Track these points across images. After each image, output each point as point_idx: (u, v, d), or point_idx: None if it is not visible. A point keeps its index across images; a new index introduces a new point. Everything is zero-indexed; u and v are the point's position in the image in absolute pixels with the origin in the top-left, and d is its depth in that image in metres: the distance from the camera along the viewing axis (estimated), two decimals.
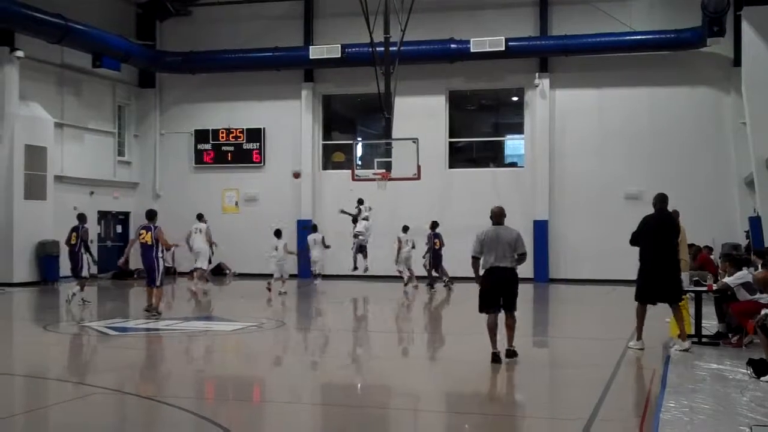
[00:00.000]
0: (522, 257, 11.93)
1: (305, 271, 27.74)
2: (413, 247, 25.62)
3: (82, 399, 9.71)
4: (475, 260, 11.92)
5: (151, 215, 17.61)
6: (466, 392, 10.48)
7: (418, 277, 25.42)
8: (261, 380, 11.53)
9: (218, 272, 30.10)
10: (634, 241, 13.33)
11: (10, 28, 24.78)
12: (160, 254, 17.25)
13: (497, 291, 11.78)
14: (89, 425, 8.54)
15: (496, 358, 11.65)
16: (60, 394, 10.17)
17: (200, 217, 24.65)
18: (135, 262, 22.27)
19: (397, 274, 25.63)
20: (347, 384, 11.23)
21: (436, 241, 24.92)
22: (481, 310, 11.87)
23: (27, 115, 25.55)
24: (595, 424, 8.26)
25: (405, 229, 25.61)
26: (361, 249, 25.48)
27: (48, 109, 26.69)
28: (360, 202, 25.79)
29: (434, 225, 25.38)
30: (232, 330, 16.05)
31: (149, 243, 17.14)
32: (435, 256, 24.94)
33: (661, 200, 13.42)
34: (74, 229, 19.75)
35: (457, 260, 28.07)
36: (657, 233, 13.00)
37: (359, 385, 11.25)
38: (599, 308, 21.51)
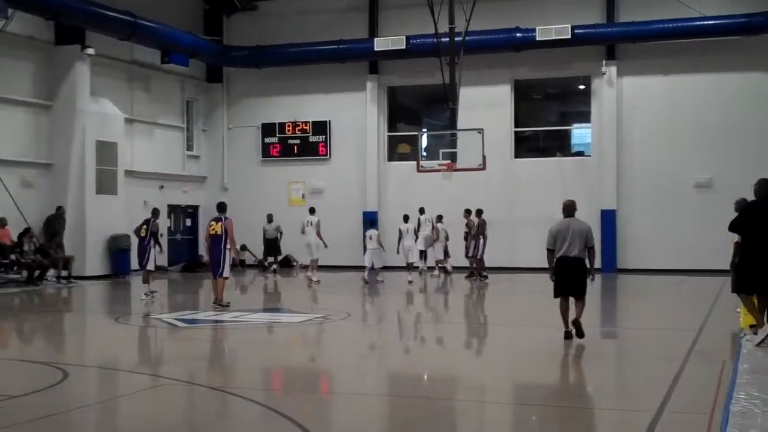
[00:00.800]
0: (592, 249, 12.72)
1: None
2: (447, 237, 26.26)
3: (152, 390, 9.89)
4: (550, 252, 12.72)
5: (223, 207, 17.89)
6: (532, 384, 10.44)
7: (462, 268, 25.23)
8: (327, 372, 11.61)
9: (286, 264, 30.38)
10: (735, 228, 12.47)
11: (81, 26, 25.26)
12: (227, 246, 17.43)
13: (567, 278, 12.61)
14: (159, 415, 8.69)
15: (568, 336, 12.62)
16: (131, 385, 10.37)
17: (312, 211, 25.49)
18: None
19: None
20: (412, 375, 11.25)
21: (480, 228, 24.73)
22: (555, 295, 12.78)
23: (98, 111, 26.03)
24: (663, 417, 8.16)
25: (405, 218, 25.69)
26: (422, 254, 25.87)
27: (118, 105, 27.16)
28: (421, 211, 25.96)
29: (480, 212, 25.37)
30: (299, 322, 16.19)
31: (218, 233, 17.38)
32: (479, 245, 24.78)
33: (765, 186, 12.47)
34: (146, 222, 20.10)
35: (524, 251, 28.17)
36: (763, 220, 12.16)
37: (425, 377, 11.26)
38: (668, 299, 21.20)
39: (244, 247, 30.21)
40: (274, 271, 28.03)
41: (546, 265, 12.89)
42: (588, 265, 12.81)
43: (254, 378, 10.99)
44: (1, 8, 21.75)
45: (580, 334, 12.58)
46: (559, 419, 8.55)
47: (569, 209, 12.87)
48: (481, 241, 24.81)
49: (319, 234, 24.54)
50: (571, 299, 12.73)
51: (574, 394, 10.19)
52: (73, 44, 25.33)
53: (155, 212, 20.68)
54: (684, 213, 27.55)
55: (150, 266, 19.75)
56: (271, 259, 28.56)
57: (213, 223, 17.63)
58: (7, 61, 24.24)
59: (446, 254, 26.66)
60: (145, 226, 19.89)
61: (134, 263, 26.53)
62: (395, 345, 14.30)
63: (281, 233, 28.33)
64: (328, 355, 13.04)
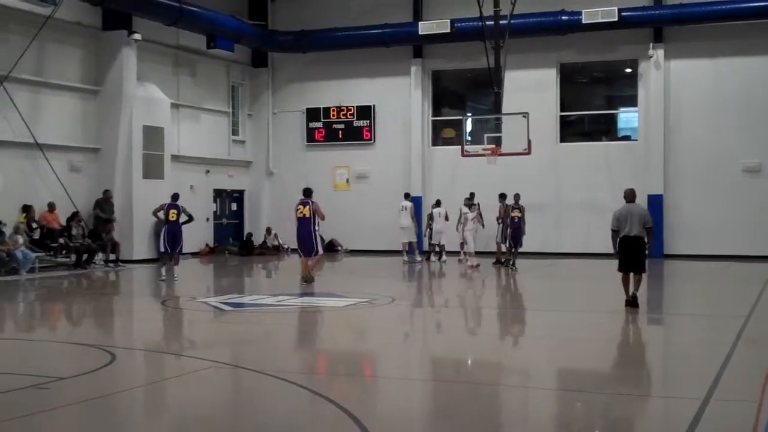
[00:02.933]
0: (650, 230, 14.63)
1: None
2: (447, 219, 25.95)
3: (198, 373, 9.97)
4: (614, 233, 14.67)
5: (308, 192, 19.71)
6: (576, 370, 10.38)
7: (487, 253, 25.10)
8: (371, 356, 11.63)
9: (330, 248, 30.49)
10: None
11: (128, 11, 25.50)
12: (316, 226, 19.22)
13: (628, 255, 14.49)
14: (204, 398, 8.77)
15: (627, 303, 14.51)
16: (177, 368, 10.48)
17: (407, 196, 26.23)
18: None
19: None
20: (456, 360, 11.24)
21: (515, 211, 23.39)
22: (619, 269, 14.70)
23: (144, 96, 26.26)
24: (710, 405, 8.08)
25: (438, 203, 26.33)
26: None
27: (164, 90, 27.38)
28: (471, 196, 25.57)
29: (503, 196, 24.51)
30: (344, 306, 16.24)
31: (307, 216, 19.07)
32: (515, 230, 23.35)
33: None
34: (172, 206, 20.83)
35: (569, 236, 28.03)
36: None
37: (469, 361, 11.25)
38: (716, 285, 20.95)
39: (269, 230, 30.99)
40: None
41: (609, 249, 14.72)
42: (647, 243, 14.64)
43: (298, 362, 11.04)
44: None
45: (636, 305, 14.37)
46: (603, 406, 8.49)
47: (630, 196, 14.80)
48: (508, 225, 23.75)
49: (413, 218, 25.58)
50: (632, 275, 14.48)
51: (619, 380, 10.10)
52: (120, 30, 25.59)
53: (176, 196, 21.37)
54: (732, 198, 27.19)
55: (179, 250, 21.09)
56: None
57: (300, 206, 19.26)
58: (56, 47, 24.53)
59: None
60: (174, 210, 20.65)
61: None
62: (437, 329, 14.30)
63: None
64: (371, 339, 13.06)
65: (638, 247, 14.53)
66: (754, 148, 27.08)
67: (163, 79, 27.86)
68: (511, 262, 23.47)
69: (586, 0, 27.57)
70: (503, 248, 24.37)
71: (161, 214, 21.23)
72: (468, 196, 25.45)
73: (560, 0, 27.91)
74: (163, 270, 20.79)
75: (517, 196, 23.83)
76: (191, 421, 7.99)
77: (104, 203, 24.92)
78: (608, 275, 23.07)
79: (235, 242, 30.96)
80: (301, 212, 19.16)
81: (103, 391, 8.90)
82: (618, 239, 14.57)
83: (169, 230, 20.75)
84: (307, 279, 19.26)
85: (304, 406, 8.53)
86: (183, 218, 20.90)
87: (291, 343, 12.46)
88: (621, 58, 29.38)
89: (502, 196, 24.55)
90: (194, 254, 28.64)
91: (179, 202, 21.19)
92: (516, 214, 23.32)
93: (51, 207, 23.54)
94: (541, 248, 26.76)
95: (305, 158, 32.03)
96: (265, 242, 30.87)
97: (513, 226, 23.25)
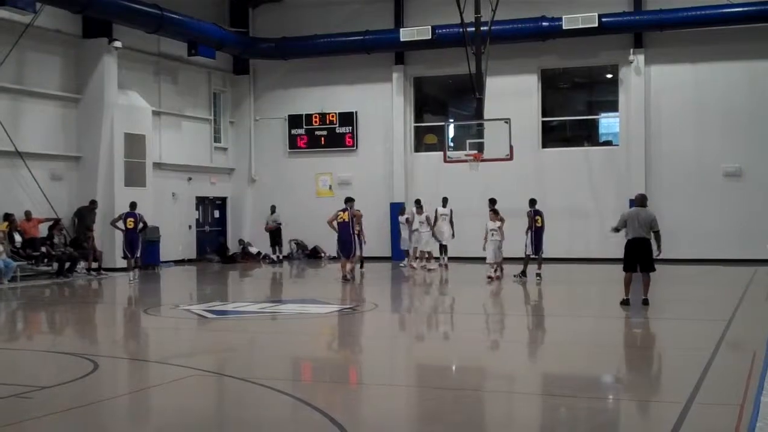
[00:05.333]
0: (657, 234, 15.51)
1: (397, 253, 28.00)
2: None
3: (181, 381, 9.93)
4: (614, 230, 16.04)
5: (349, 199, 22.39)
6: (561, 374, 10.41)
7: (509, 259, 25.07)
8: (354, 363, 11.63)
9: (314, 255, 30.52)
10: None
11: (108, 19, 25.37)
12: (354, 231, 21.68)
13: (634, 256, 15.46)
14: (188, 407, 8.75)
15: (625, 303, 15.55)
16: (160, 377, 10.43)
17: (445, 201, 26.07)
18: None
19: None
20: (439, 366, 11.26)
21: (537, 218, 22.15)
22: (625, 269, 15.67)
23: (126, 104, 26.16)
24: (693, 408, 8.12)
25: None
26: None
27: (146, 98, 27.28)
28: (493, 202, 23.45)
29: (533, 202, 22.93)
30: (326, 312, 16.24)
31: (346, 221, 21.57)
32: (537, 237, 21.99)
33: None
34: (128, 215, 22.59)
35: (551, 241, 27.95)
36: None
37: (453, 368, 11.27)
38: (698, 288, 21.06)
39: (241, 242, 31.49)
40: (279, 261, 29.56)
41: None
42: (654, 245, 15.57)
43: (282, 369, 11.03)
44: (28, 2, 21.91)
45: (646, 303, 15.48)
46: (587, 410, 8.52)
47: (639, 200, 16.00)
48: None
49: (451, 222, 25.62)
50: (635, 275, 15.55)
51: (602, 385, 10.15)
52: (101, 37, 25.45)
53: (133, 205, 22.93)
54: (713, 202, 27.34)
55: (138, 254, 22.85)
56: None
57: (341, 212, 21.73)
58: (36, 55, 24.42)
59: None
60: (132, 219, 22.48)
61: (164, 255, 27.02)
62: (420, 336, 14.31)
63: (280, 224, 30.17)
64: (355, 345, 13.07)
65: (641, 247, 15.41)
66: (735, 152, 27.24)
67: (145, 86, 27.77)
68: (536, 272, 21.91)
69: (567, 6, 27.67)
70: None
71: (120, 224, 22.69)
72: (490, 200, 23.41)
73: (541, 6, 28.02)
74: (131, 274, 22.41)
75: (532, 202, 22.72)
76: (175, 429, 7.98)
77: (88, 212, 24.79)
78: (593, 279, 23.24)
79: (212, 254, 30.73)
80: (341, 218, 21.63)
81: (86, 400, 8.87)
82: (626, 239, 15.63)
83: (126, 237, 22.58)
84: (345, 278, 21.37)
85: (288, 414, 8.53)
86: (140, 226, 22.73)
87: (275, 351, 12.43)
88: (602, 64, 29.50)
89: (533, 202, 22.82)
90: (177, 262, 28.57)
91: (137, 211, 22.85)
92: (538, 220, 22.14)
93: (28, 215, 23.41)
94: (521, 254, 26.74)
95: (288, 165, 32.00)
96: (245, 249, 30.85)
97: (537, 233, 22.00)
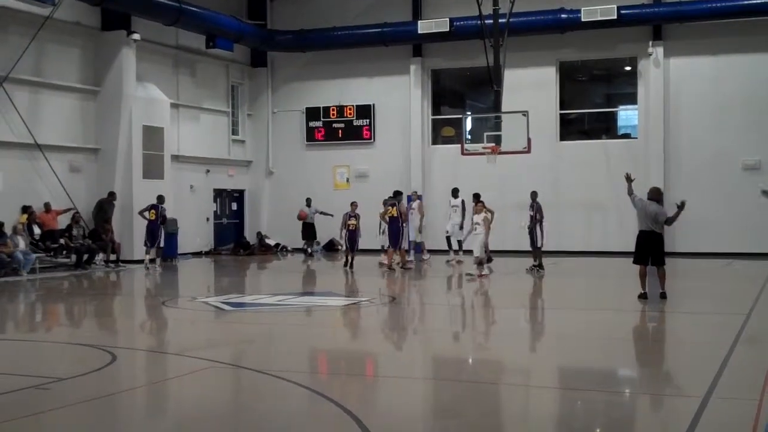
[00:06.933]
0: (666, 222, 15.55)
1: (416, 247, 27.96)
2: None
3: (199, 373, 9.96)
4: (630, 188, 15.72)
5: (397, 193, 24.09)
6: (578, 368, 10.38)
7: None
8: (370, 355, 11.62)
9: (330, 248, 30.53)
10: None
11: (127, 11, 25.47)
12: (403, 224, 23.01)
13: (645, 249, 15.47)
14: (205, 398, 8.77)
15: (642, 296, 15.47)
16: (177, 368, 10.47)
17: (455, 192, 25.89)
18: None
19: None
20: (456, 359, 11.24)
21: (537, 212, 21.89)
22: (635, 262, 15.73)
23: (144, 96, 26.25)
24: (711, 402, 8.08)
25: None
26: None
27: (164, 90, 27.37)
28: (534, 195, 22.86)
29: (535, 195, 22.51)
30: (343, 305, 16.24)
31: (395, 215, 22.84)
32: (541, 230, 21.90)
33: None
34: (152, 206, 24.10)
35: (569, 235, 28.00)
36: None
37: (469, 360, 11.25)
38: (716, 282, 20.94)
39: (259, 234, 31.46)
40: (312, 255, 29.11)
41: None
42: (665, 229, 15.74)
43: (299, 361, 11.03)
44: None
45: (664, 296, 15.44)
46: (604, 404, 8.49)
47: (652, 193, 15.81)
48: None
49: (463, 213, 25.33)
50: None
51: (620, 378, 10.12)
52: (119, 30, 25.55)
53: (161, 198, 24.37)
54: (732, 195, 27.18)
55: (162, 244, 24.36)
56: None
57: (390, 207, 23.10)
58: (55, 48, 24.53)
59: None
60: (153, 210, 23.96)
61: (182, 247, 27.13)
62: (432, 329, 14.30)
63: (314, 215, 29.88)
64: (370, 338, 13.06)
65: (651, 240, 15.41)
66: (754, 145, 27.08)
67: (163, 78, 27.84)
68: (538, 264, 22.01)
69: None
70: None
71: (146, 213, 24.14)
72: (532, 193, 22.61)
73: None
74: (147, 260, 23.98)
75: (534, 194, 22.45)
76: (192, 421, 8.00)
77: (107, 204, 24.89)
78: (611, 273, 23.15)
79: (228, 246, 30.78)
80: (390, 213, 23.01)
81: (104, 392, 8.91)
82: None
83: (147, 227, 24.09)
84: (390, 267, 22.69)
85: (304, 406, 8.53)
86: (160, 219, 24.09)
87: (291, 343, 12.43)
88: (620, 56, 29.36)
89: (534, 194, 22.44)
90: (195, 254, 28.68)
91: (164, 204, 24.41)
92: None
93: (47, 207, 23.55)
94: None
95: (305, 158, 32.03)
96: (262, 242, 30.88)
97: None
